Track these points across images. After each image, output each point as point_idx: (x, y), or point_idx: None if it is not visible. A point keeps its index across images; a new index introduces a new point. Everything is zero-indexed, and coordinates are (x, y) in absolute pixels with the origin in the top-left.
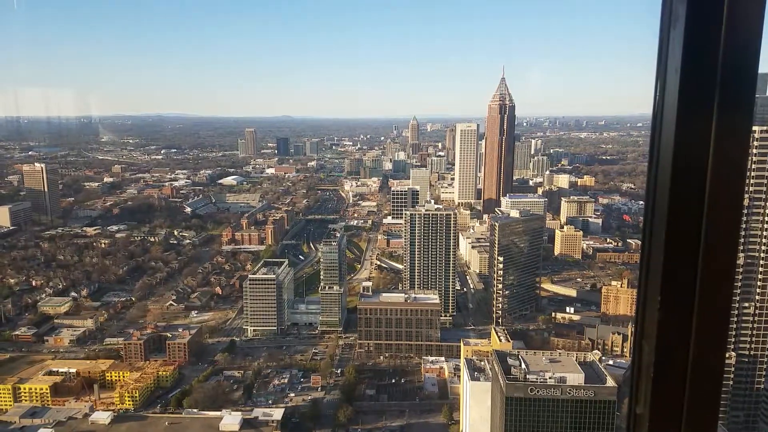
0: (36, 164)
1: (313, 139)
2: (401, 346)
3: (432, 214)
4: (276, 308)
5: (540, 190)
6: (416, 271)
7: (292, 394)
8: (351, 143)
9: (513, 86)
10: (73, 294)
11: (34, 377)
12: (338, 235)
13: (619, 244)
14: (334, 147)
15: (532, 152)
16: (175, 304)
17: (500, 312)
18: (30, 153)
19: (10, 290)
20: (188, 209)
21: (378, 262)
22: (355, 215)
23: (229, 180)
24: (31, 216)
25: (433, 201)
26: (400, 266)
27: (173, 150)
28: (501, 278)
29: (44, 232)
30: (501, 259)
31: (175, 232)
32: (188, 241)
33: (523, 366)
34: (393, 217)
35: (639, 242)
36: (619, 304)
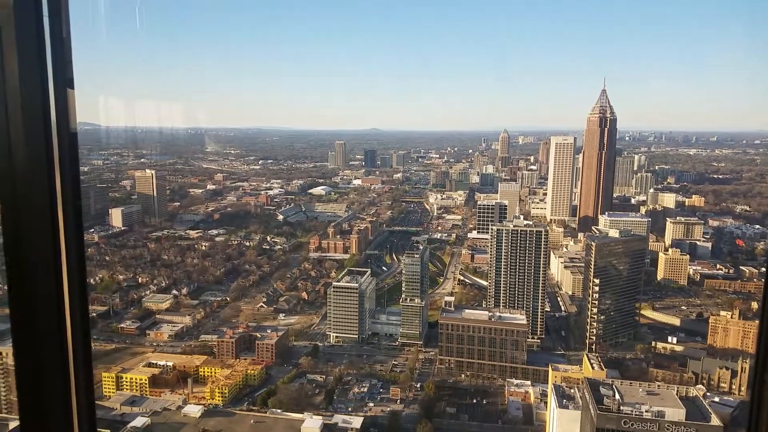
0: (147, 171)
1: (399, 152)
2: (484, 366)
3: (521, 230)
4: (358, 317)
5: (643, 209)
6: (502, 288)
7: (371, 404)
8: (437, 156)
9: (614, 98)
10: (174, 292)
11: (135, 368)
12: (421, 247)
13: (731, 270)
14: (420, 159)
15: (635, 168)
16: (265, 306)
17: (594, 337)
18: (142, 160)
19: (119, 285)
20: (280, 217)
21: (461, 277)
22: (439, 228)
23: (319, 190)
24: (141, 218)
25: (522, 217)
26: (484, 283)
27: (270, 161)
28: (596, 302)
29: (151, 234)
30: (597, 281)
31: (268, 238)
32: (279, 247)
33: (618, 396)
34: (478, 232)
35: (753, 270)
36: (728, 336)
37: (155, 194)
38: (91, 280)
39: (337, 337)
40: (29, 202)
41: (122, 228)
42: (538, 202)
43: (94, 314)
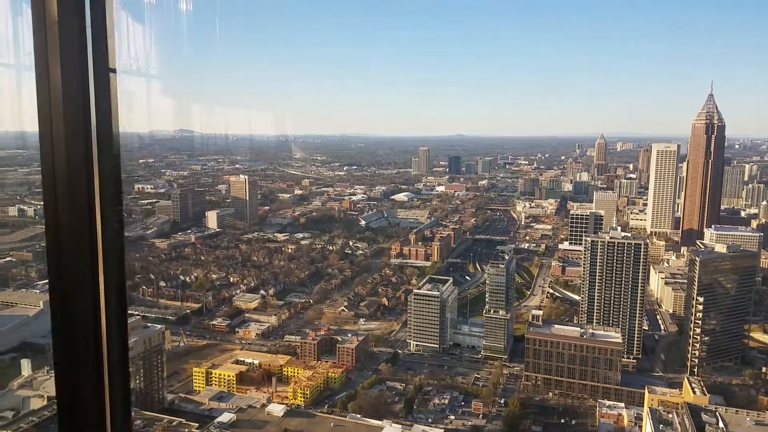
0: (240, 176)
1: (485, 158)
2: (573, 385)
3: (618, 242)
4: (439, 326)
5: (754, 223)
6: (596, 304)
7: (452, 417)
8: (526, 162)
9: (723, 103)
10: (262, 292)
11: (224, 364)
12: (507, 257)
13: None
14: (507, 166)
15: (746, 179)
16: (346, 310)
17: (696, 360)
18: (236, 166)
19: (212, 284)
20: (363, 222)
21: (551, 290)
22: (527, 238)
23: (401, 196)
24: (234, 221)
25: (620, 228)
26: (576, 297)
27: (354, 167)
28: (699, 321)
29: (243, 235)
30: (701, 299)
31: (350, 243)
32: (361, 252)
33: (721, 424)
34: (570, 243)
35: None
36: None
37: (247, 198)
38: (187, 279)
39: (417, 345)
40: (70, 205)
41: (217, 229)
42: (637, 213)
43: (188, 311)
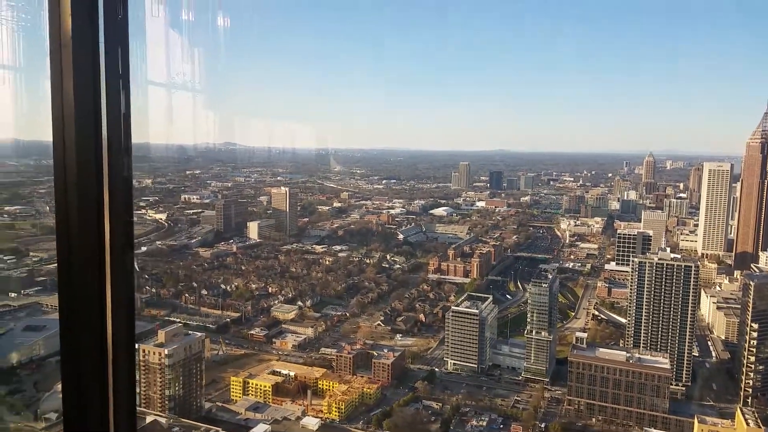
0: (282, 188)
1: (528, 174)
2: (618, 411)
3: (667, 264)
4: (477, 345)
5: None
6: (643, 327)
7: None
8: (572, 179)
9: None
10: (299, 303)
11: (260, 374)
12: (550, 276)
13: None
14: (551, 182)
15: None
16: (383, 325)
17: (750, 390)
18: (278, 178)
19: (251, 294)
20: (401, 236)
21: (595, 312)
22: (571, 257)
23: (440, 211)
24: (274, 232)
25: (669, 249)
26: (622, 320)
27: (393, 180)
28: (754, 349)
29: (282, 246)
30: (755, 326)
31: (388, 257)
32: (398, 266)
33: None
34: (617, 264)
35: None
36: None
37: (287, 210)
38: (228, 288)
39: (455, 364)
40: (80, 211)
41: (257, 240)
42: (687, 234)
43: (228, 319)
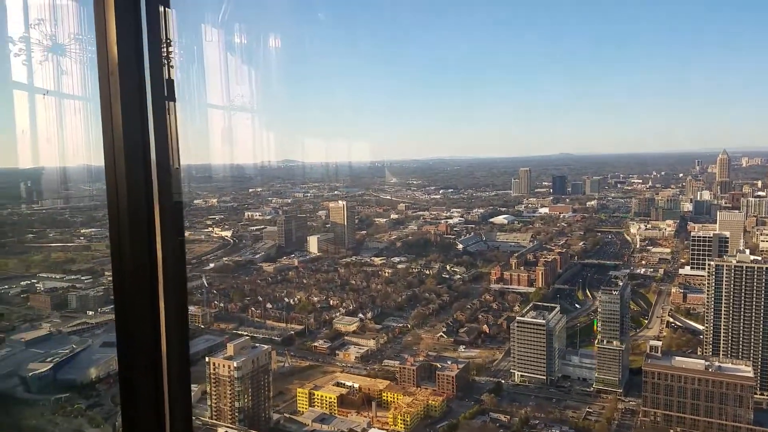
0: (339, 202)
1: (594, 177)
2: (698, 423)
3: (747, 266)
4: (545, 356)
5: None
6: (722, 334)
7: None
8: (640, 181)
9: None
10: (360, 315)
11: (325, 386)
12: (620, 283)
13: None
14: (619, 185)
15: None
16: (445, 336)
17: None
18: (335, 192)
19: (313, 307)
20: (460, 246)
21: (670, 319)
22: (643, 262)
23: (500, 219)
24: (333, 245)
25: (748, 251)
26: (699, 327)
27: (450, 190)
28: None
29: (341, 259)
30: None
31: (447, 267)
32: (458, 276)
33: None
34: (692, 268)
35: None
36: None
37: (345, 223)
38: (291, 301)
39: (522, 376)
40: (131, 234)
41: (318, 254)
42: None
43: (292, 332)
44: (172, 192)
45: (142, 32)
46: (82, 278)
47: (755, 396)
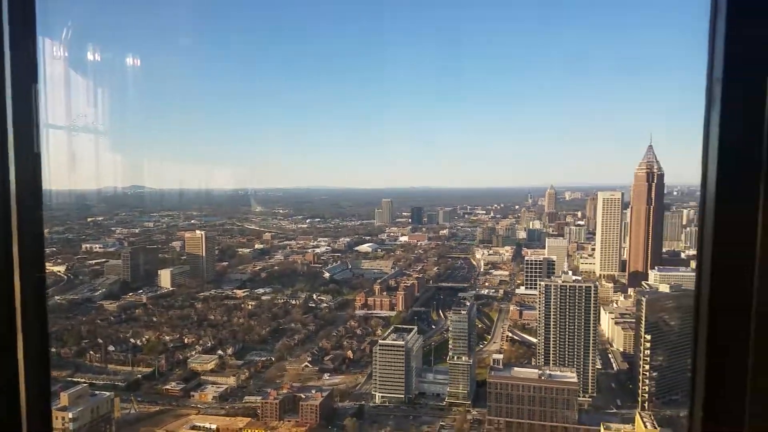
0: (197, 231)
1: (446, 208)
2: (534, 426)
3: (570, 286)
4: (404, 375)
5: (693, 264)
6: (551, 345)
7: None
8: (484, 212)
9: (663, 152)
10: (219, 352)
11: (178, 430)
12: (468, 303)
13: None
14: (466, 216)
15: (684, 223)
16: (310, 366)
17: (646, 395)
18: (192, 221)
19: (165, 346)
20: (327, 274)
21: (509, 334)
22: (486, 284)
23: (365, 247)
24: (189, 278)
25: (571, 272)
26: (533, 339)
27: (317, 219)
28: (648, 358)
29: (198, 294)
30: (648, 337)
31: (314, 296)
32: (325, 304)
33: None
34: (526, 288)
35: None
36: None
37: (204, 254)
38: (138, 341)
39: (382, 397)
40: None
41: (171, 288)
42: (586, 257)
43: (139, 375)
44: (34, 222)
45: (3, 43)
46: None
47: (578, 398)
